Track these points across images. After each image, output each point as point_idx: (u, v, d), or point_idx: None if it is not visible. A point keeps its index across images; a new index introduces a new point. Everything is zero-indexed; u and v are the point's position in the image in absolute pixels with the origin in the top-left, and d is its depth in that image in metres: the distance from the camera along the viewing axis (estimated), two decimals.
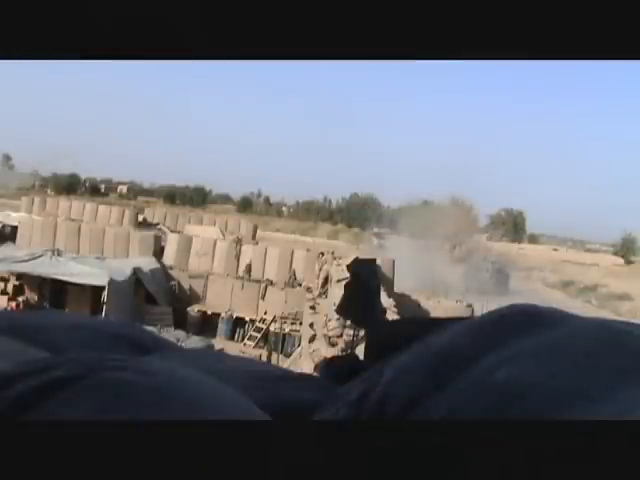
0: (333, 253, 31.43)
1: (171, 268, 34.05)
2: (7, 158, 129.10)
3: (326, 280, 26.95)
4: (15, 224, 39.74)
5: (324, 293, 26.59)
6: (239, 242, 36.03)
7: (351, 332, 19.55)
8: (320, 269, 28.50)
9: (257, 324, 31.42)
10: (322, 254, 31.19)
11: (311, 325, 24.25)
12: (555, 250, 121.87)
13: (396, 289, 31.64)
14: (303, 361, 22.33)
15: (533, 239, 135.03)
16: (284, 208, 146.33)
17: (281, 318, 30.36)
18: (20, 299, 30.86)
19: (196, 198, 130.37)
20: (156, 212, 58.45)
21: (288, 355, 27.73)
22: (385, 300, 23.07)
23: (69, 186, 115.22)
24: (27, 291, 31.62)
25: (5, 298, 30.83)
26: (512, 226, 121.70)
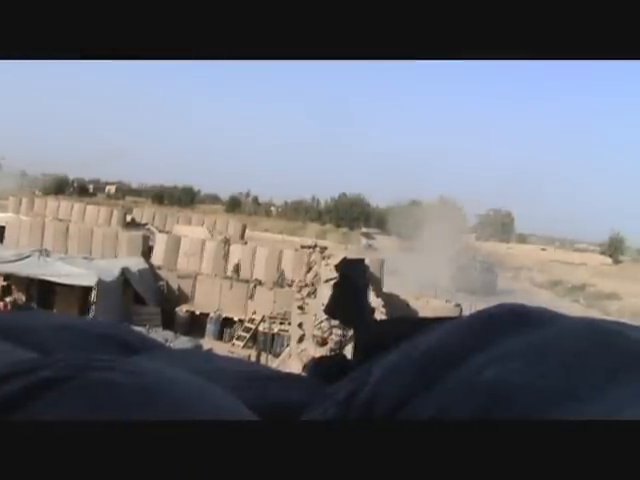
0: (321, 251, 31.43)
1: (159, 268, 34.00)
2: None
3: (314, 280, 26.97)
4: (2, 224, 39.53)
5: (313, 293, 26.60)
6: (227, 242, 36.00)
7: (340, 332, 19.56)
8: (309, 269, 28.51)
9: (246, 324, 31.39)
10: (312, 247, 31.27)
11: (300, 325, 24.25)
12: (543, 250, 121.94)
13: (384, 289, 31.67)
14: (292, 361, 22.33)
15: (521, 239, 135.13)
16: (272, 208, 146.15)
17: (270, 318, 30.33)
18: (8, 300, 30.70)
19: (184, 198, 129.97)
20: (144, 212, 58.24)
21: (277, 355, 27.69)
22: (373, 300, 23.10)
23: (57, 186, 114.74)
24: (15, 292, 31.48)
25: None
26: (500, 226, 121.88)
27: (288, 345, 26.87)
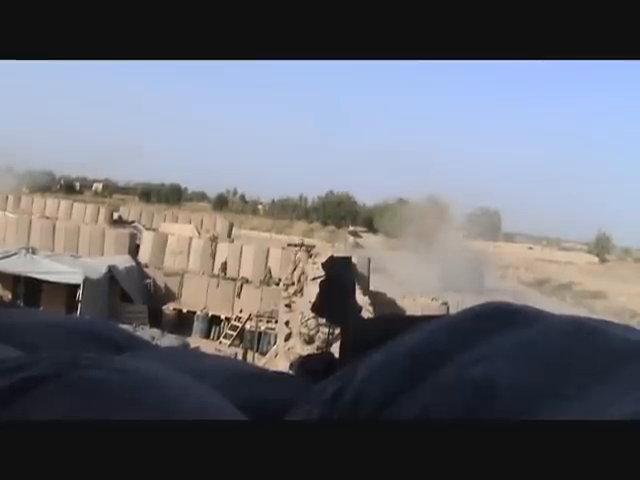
0: (308, 250, 31.41)
1: (146, 266, 33.89)
2: None
3: (301, 278, 26.96)
4: None
5: (300, 291, 26.58)
6: (214, 240, 35.95)
7: (327, 330, 19.56)
8: (295, 267, 28.50)
9: (233, 322, 31.35)
10: (299, 245, 31.28)
11: (287, 323, 24.24)
12: (530, 248, 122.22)
13: (371, 287, 31.66)
14: (279, 359, 22.31)
15: (509, 237, 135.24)
16: (260, 206, 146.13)
17: (257, 316, 30.31)
18: None
19: (171, 196, 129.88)
20: (131, 210, 57.97)
21: (264, 353, 27.67)
22: (360, 298, 23.09)
23: (44, 184, 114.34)
24: (1, 289, 31.37)
25: None
26: (488, 225, 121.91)
27: (275, 343, 26.86)
